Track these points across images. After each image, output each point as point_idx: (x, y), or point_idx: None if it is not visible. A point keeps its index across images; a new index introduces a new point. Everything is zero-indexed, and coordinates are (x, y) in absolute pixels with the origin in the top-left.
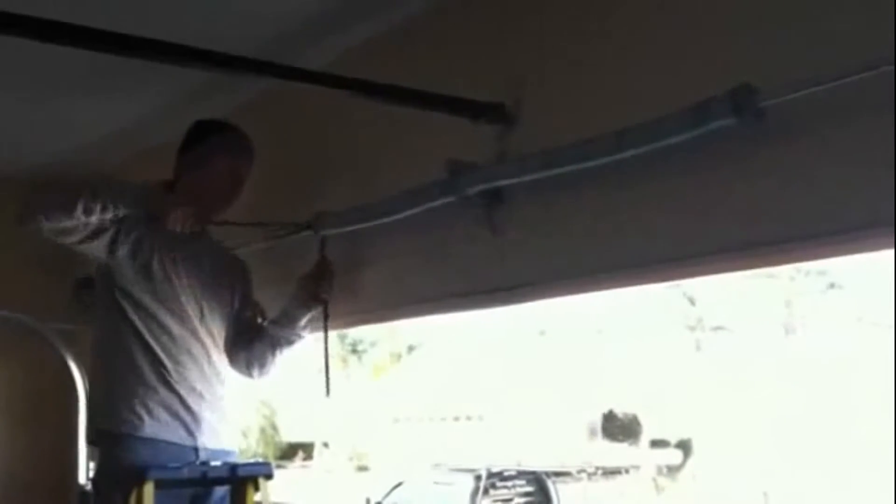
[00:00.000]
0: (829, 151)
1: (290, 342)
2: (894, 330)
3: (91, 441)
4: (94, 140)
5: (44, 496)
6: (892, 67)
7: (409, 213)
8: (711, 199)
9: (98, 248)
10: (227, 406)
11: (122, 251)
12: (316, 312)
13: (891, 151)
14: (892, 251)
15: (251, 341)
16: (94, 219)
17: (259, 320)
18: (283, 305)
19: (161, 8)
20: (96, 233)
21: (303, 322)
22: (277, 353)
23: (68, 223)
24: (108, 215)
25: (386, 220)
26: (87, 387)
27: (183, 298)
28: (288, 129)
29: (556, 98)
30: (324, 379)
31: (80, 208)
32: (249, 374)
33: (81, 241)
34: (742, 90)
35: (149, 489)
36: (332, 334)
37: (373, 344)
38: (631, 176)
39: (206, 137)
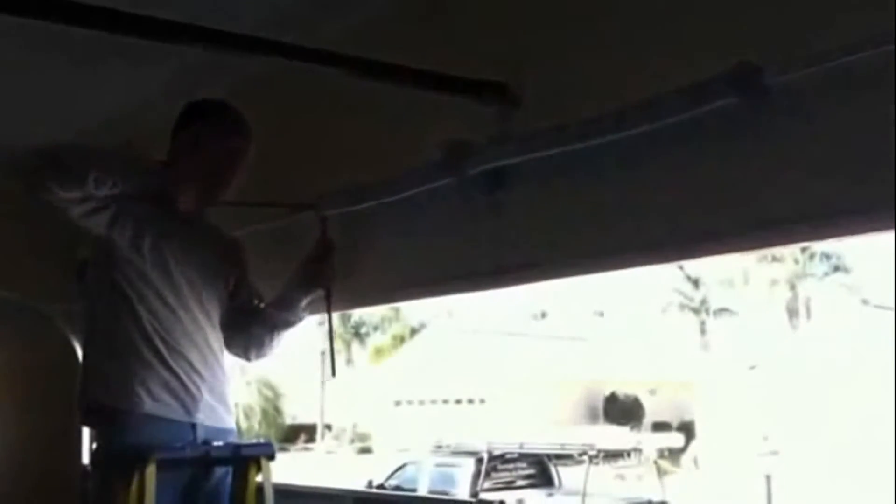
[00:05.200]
0: (833, 130)
1: (289, 324)
2: (894, 312)
3: (85, 417)
4: (94, 120)
5: (46, 477)
6: (894, 47)
7: (410, 193)
8: (714, 179)
9: (99, 222)
10: (226, 387)
11: (121, 229)
12: (316, 295)
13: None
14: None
15: (249, 324)
16: (102, 192)
17: (256, 302)
18: (283, 288)
19: None
20: (99, 208)
21: (303, 304)
22: (276, 335)
23: (78, 193)
24: (116, 191)
25: (387, 200)
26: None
27: (180, 280)
28: (288, 110)
29: (559, 77)
30: (329, 360)
31: (91, 179)
32: (247, 357)
33: (85, 215)
34: (745, 68)
35: (151, 469)
36: (334, 316)
37: (376, 327)
38: (633, 155)
39: (203, 119)
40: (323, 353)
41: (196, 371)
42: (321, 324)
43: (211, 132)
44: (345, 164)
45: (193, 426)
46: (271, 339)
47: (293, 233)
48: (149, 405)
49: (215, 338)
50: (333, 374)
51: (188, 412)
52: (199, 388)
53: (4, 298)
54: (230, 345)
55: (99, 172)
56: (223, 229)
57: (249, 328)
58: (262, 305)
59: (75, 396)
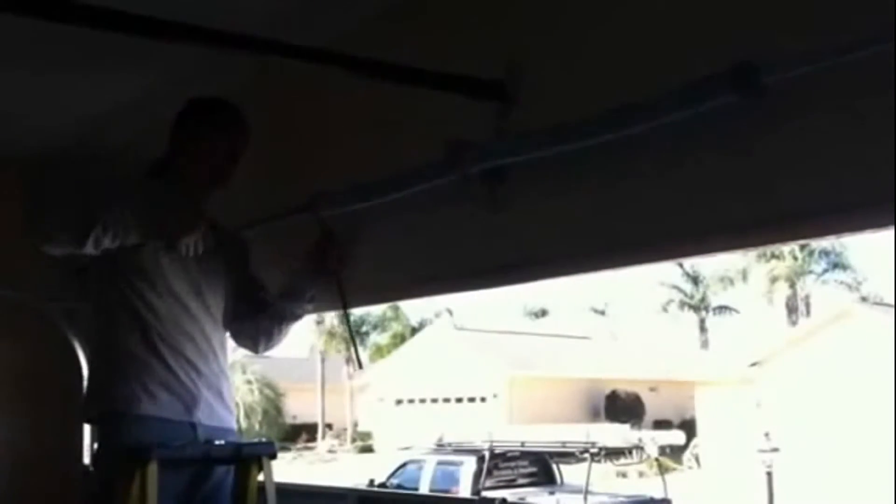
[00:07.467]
0: (831, 128)
1: (296, 316)
2: (894, 309)
3: (89, 420)
4: (95, 118)
5: (47, 476)
6: (893, 44)
7: (409, 192)
8: (713, 177)
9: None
10: (225, 383)
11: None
12: (321, 286)
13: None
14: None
15: (256, 316)
16: (100, 250)
17: (262, 294)
18: (289, 279)
19: None
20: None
21: (308, 295)
22: (283, 326)
23: (75, 251)
24: (116, 244)
25: (386, 199)
26: (87, 367)
27: (178, 276)
28: (286, 108)
29: (557, 75)
30: (353, 352)
31: (90, 242)
32: (255, 349)
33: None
34: (743, 67)
35: (152, 469)
36: (330, 315)
37: (375, 326)
38: (632, 153)
39: (201, 116)
40: (322, 353)
41: (195, 368)
42: (318, 323)
43: (212, 129)
44: (343, 164)
45: (193, 426)
46: (279, 331)
47: (294, 229)
48: (147, 403)
49: (216, 335)
50: (360, 366)
51: (187, 411)
52: (197, 386)
53: (3, 297)
54: (238, 336)
55: (98, 233)
56: (227, 225)
57: (257, 320)
58: (269, 298)
59: (75, 395)
